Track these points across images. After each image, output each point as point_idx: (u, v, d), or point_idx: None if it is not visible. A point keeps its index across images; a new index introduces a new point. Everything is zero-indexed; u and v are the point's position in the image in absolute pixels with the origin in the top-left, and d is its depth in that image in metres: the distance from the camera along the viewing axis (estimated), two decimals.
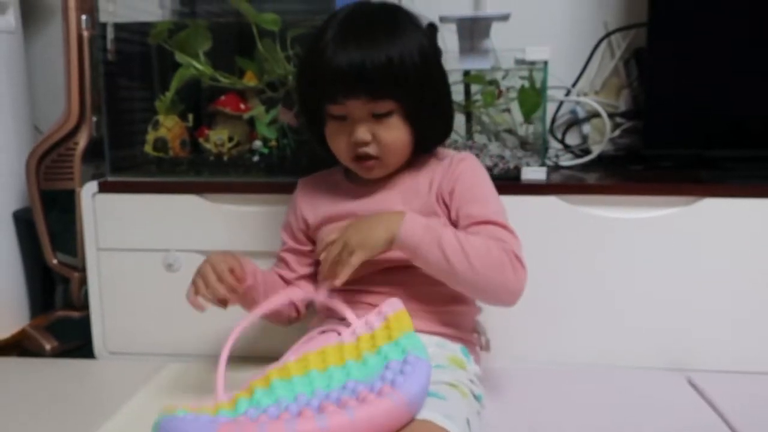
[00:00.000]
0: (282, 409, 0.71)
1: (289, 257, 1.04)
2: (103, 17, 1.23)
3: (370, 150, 0.91)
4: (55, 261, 1.36)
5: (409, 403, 0.70)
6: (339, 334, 0.86)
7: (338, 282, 0.85)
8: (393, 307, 0.85)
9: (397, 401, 0.69)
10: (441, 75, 0.94)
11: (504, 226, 0.91)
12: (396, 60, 0.85)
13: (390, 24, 0.89)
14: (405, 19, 0.92)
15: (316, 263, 1.03)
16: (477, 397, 0.86)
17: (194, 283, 0.88)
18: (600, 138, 1.39)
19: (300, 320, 1.05)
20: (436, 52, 0.94)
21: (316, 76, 0.89)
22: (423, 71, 0.89)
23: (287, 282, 1.03)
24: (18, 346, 1.36)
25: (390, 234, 0.85)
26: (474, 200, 0.93)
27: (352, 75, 0.85)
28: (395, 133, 0.90)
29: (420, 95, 0.89)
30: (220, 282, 0.87)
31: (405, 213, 0.87)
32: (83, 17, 1.28)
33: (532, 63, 1.16)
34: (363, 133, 0.90)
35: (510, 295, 0.87)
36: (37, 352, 1.32)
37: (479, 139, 1.28)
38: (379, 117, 0.89)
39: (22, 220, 1.37)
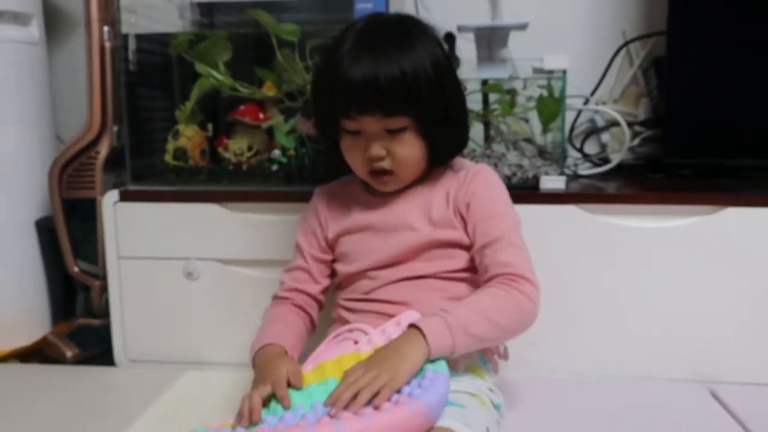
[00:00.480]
0: (299, 417, 0.71)
1: (314, 267, 1.01)
2: (125, 28, 1.25)
3: (385, 165, 0.91)
4: (76, 269, 1.38)
5: (426, 413, 0.70)
6: (356, 342, 0.86)
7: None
8: (410, 318, 0.85)
9: (414, 410, 0.69)
10: (455, 86, 0.93)
11: (515, 245, 0.90)
12: (410, 74, 0.85)
13: (405, 36, 0.89)
14: (420, 31, 0.91)
15: (332, 275, 1.02)
16: (496, 406, 0.86)
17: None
18: (619, 147, 1.38)
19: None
20: (450, 63, 0.93)
21: (331, 89, 0.90)
22: (436, 83, 0.88)
23: (311, 297, 1.00)
24: (40, 353, 1.37)
25: (425, 355, 0.79)
26: (490, 218, 0.92)
27: (365, 91, 0.85)
28: (409, 149, 0.90)
29: (433, 109, 0.89)
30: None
31: (424, 329, 0.79)
32: (105, 28, 1.30)
33: (551, 72, 1.16)
34: (377, 149, 0.90)
35: (531, 319, 0.88)
36: (58, 359, 1.34)
37: (497, 148, 1.28)
38: (393, 133, 0.89)
39: (45, 229, 1.39)
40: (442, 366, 0.78)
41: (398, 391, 0.73)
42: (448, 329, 0.80)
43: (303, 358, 0.89)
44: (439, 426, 0.72)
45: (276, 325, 0.95)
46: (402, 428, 0.68)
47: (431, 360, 0.79)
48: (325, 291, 1.03)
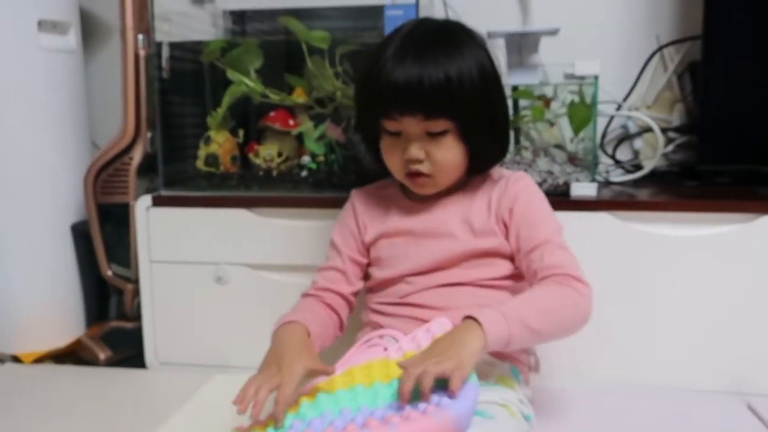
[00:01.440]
0: (326, 423, 0.71)
1: (350, 268, 1.00)
2: (158, 36, 1.27)
3: (423, 168, 0.90)
4: (109, 272, 1.40)
5: (454, 423, 0.69)
6: (385, 349, 0.86)
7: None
8: (442, 326, 0.84)
9: (442, 420, 0.68)
10: (500, 95, 0.93)
11: (562, 248, 0.90)
12: (454, 79, 0.84)
13: (451, 42, 0.88)
14: (467, 37, 0.91)
15: (365, 278, 1.02)
16: (526, 418, 0.85)
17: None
18: (652, 153, 1.36)
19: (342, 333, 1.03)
20: (496, 71, 0.92)
21: (374, 89, 0.89)
22: (481, 91, 0.87)
23: (343, 298, 0.99)
24: (74, 355, 1.40)
25: (482, 344, 0.77)
26: (533, 224, 0.92)
27: (409, 91, 0.85)
28: (449, 153, 0.90)
29: (476, 115, 0.88)
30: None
31: (481, 320, 0.77)
32: (140, 37, 1.32)
33: (582, 77, 1.14)
34: (416, 151, 0.89)
35: (587, 318, 0.86)
36: (91, 361, 1.36)
37: (526, 154, 1.27)
38: (433, 135, 0.88)
39: (80, 233, 1.41)
40: (471, 376, 0.77)
41: (426, 401, 0.72)
42: (505, 319, 0.78)
43: (331, 361, 0.88)
44: None
45: (303, 312, 0.93)
46: None
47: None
48: (357, 293, 1.02)
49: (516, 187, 0.94)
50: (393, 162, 0.93)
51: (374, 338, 0.90)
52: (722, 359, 1.10)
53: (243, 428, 0.77)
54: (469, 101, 0.86)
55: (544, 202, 0.96)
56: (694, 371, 1.11)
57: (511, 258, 0.94)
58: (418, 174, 0.91)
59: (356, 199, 1.04)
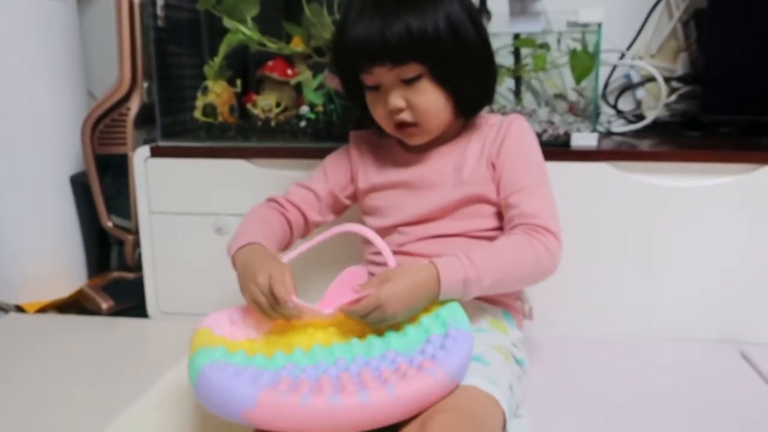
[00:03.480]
0: (321, 371, 0.72)
1: (326, 199, 1.02)
2: None
3: (406, 117, 0.90)
4: (110, 224, 1.40)
5: (450, 377, 0.70)
6: (372, 274, 0.87)
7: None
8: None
9: (438, 377, 0.69)
10: (475, 39, 0.90)
11: (540, 195, 0.90)
12: (415, 27, 0.83)
13: None
14: None
15: (338, 213, 1.04)
16: (519, 362, 0.86)
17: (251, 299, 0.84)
18: (655, 103, 1.34)
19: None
20: (470, 17, 0.89)
21: (341, 47, 0.90)
22: (449, 34, 0.86)
23: (306, 221, 1.01)
24: (76, 305, 1.42)
25: (431, 300, 0.82)
26: (516, 167, 0.92)
27: (371, 41, 0.85)
28: (428, 98, 0.89)
29: (448, 57, 0.87)
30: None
31: (438, 267, 0.81)
32: None
33: (585, 25, 1.12)
34: (396, 100, 0.89)
35: (550, 273, 0.88)
36: (93, 311, 1.38)
37: (528, 104, 1.26)
38: (409, 82, 0.88)
39: (79, 184, 1.41)
40: (464, 324, 0.78)
41: (422, 352, 0.73)
42: (463, 283, 0.81)
43: (314, 293, 0.89)
44: (463, 384, 0.73)
45: (258, 227, 0.94)
46: (426, 395, 0.69)
47: (442, 302, 0.81)
48: (319, 225, 1.03)
49: (508, 129, 0.94)
50: (379, 116, 0.93)
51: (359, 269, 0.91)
52: (718, 308, 1.11)
53: (225, 335, 0.78)
54: (436, 43, 0.85)
55: (533, 146, 0.96)
56: (690, 321, 1.12)
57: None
58: (405, 124, 0.91)
59: (354, 144, 1.04)
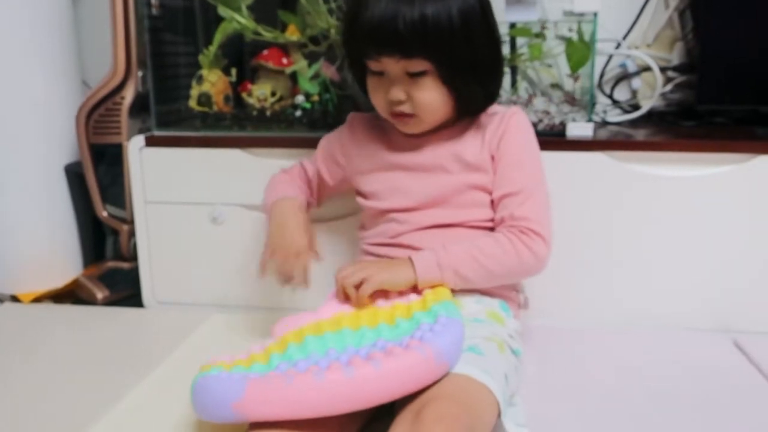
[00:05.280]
0: (312, 362, 0.72)
1: (314, 181, 1.07)
2: None
3: (405, 108, 0.90)
4: (105, 213, 1.40)
5: (437, 356, 0.70)
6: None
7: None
8: None
9: (424, 354, 0.69)
10: (486, 38, 0.90)
11: (534, 197, 0.91)
12: (430, 18, 0.83)
13: None
14: None
15: (322, 197, 1.09)
16: (515, 352, 0.86)
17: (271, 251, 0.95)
18: (650, 93, 1.34)
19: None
20: (486, 14, 0.89)
21: (353, 29, 0.89)
22: (462, 33, 0.85)
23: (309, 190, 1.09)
24: (72, 294, 1.42)
25: (411, 279, 0.87)
26: (513, 164, 0.93)
27: (384, 31, 0.84)
28: (429, 95, 0.89)
29: (457, 57, 0.86)
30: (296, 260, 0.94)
31: (414, 262, 0.87)
32: None
33: (581, 14, 1.12)
34: (397, 92, 0.89)
35: (534, 273, 0.90)
36: (89, 300, 1.38)
37: (524, 93, 1.26)
38: (413, 76, 0.88)
39: (73, 174, 1.41)
40: (455, 312, 0.78)
41: (411, 336, 0.73)
42: (438, 266, 0.86)
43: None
44: (457, 373, 0.73)
45: (291, 183, 1.05)
46: (413, 373, 0.69)
47: (436, 299, 0.83)
48: (312, 203, 1.09)
49: (509, 122, 0.94)
50: (378, 101, 0.93)
51: None
52: (712, 298, 1.11)
53: (226, 360, 0.79)
54: (447, 42, 0.85)
55: (531, 143, 0.96)
56: (684, 310, 1.12)
57: None
58: (402, 114, 0.91)
59: (350, 126, 1.04)
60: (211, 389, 0.70)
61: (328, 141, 1.07)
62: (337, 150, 1.04)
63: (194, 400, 0.73)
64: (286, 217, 0.97)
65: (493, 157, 0.93)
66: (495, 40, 0.92)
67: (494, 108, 0.98)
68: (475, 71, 0.90)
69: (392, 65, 0.88)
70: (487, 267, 0.87)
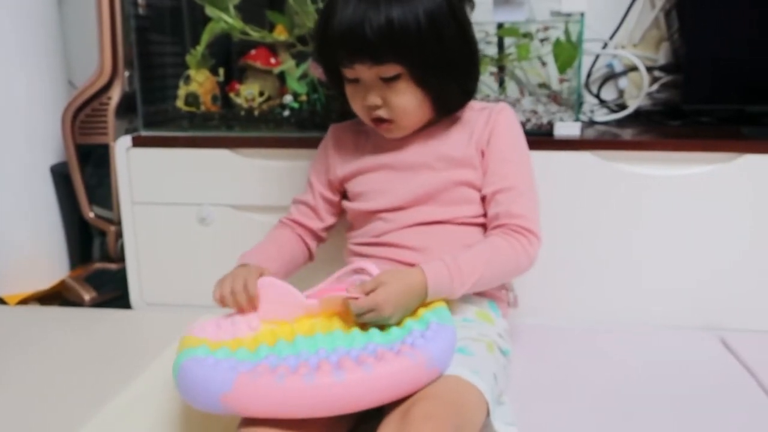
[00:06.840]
0: (302, 359, 0.72)
1: (320, 205, 1.03)
2: None
3: (383, 114, 0.90)
4: (91, 214, 1.39)
5: (428, 362, 0.70)
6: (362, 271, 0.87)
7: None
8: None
9: (415, 359, 0.69)
10: (458, 36, 0.89)
11: (525, 195, 0.91)
12: (397, 22, 0.83)
13: None
14: None
15: (340, 213, 1.04)
16: (504, 352, 0.86)
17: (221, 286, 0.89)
18: (637, 92, 1.35)
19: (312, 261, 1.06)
20: (456, 13, 0.89)
21: (325, 39, 0.89)
22: (431, 33, 0.85)
23: (312, 232, 1.03)
24: (59, 296, 1.41)
25: (420, 302, 0.82)
26: (504, 161, 0.93)
27: (352, 38, 0.84)
28: (404, 98, 0.89)
29: (428, 59, 0.86)
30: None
31: (426, 273, 0.81)
32: None
33: (568, 15, 1.12)
34: (373, 98, 0.89)
35: (525, 271, 0.91)
36: (76, 302, 1.37)
37: (512, 93, 1.26)
38: (387, 81, 0.88)
39: (60, 175, 1.40)
40: (446, 318, 0.78)
41: (402, 342, 0.73)
42: (449, 281, 0.82)
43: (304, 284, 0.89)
44: (446, 373, 0.73)
45: (268, 245, 0.99)
46: (404, 379, 0.69)
47: (428, 306, 0.82)
48: (329, 228, 1.05)
49: (497, 117, 0.95)
50: (357, 108, 0.94)
51: (348, 273, 0.91)
52: (699, 296, 1.12)
53: (210, 336, 0.78)
54: (416, 45, 0.85)
55: (520, 139, 0.96)
56: (671, 309, 1.13)
57: None
58: (381, 120, 0.91)
59: (331, 136, 1.04)
60: (198, 377, 0.69)
61: (314, 163, 1.05)
62: (326, 165, 1.03)
63: (180, 385, 0.72)
64: (239, 270, 0.90)
65: (483, 153, 0.93)
66: (467, 37, 0.91)
67: (481, 104, 0.98)
68: (450, 70, 0.89)
69: (365, 72, 0.88)
70: (492, 272, 0.87)
